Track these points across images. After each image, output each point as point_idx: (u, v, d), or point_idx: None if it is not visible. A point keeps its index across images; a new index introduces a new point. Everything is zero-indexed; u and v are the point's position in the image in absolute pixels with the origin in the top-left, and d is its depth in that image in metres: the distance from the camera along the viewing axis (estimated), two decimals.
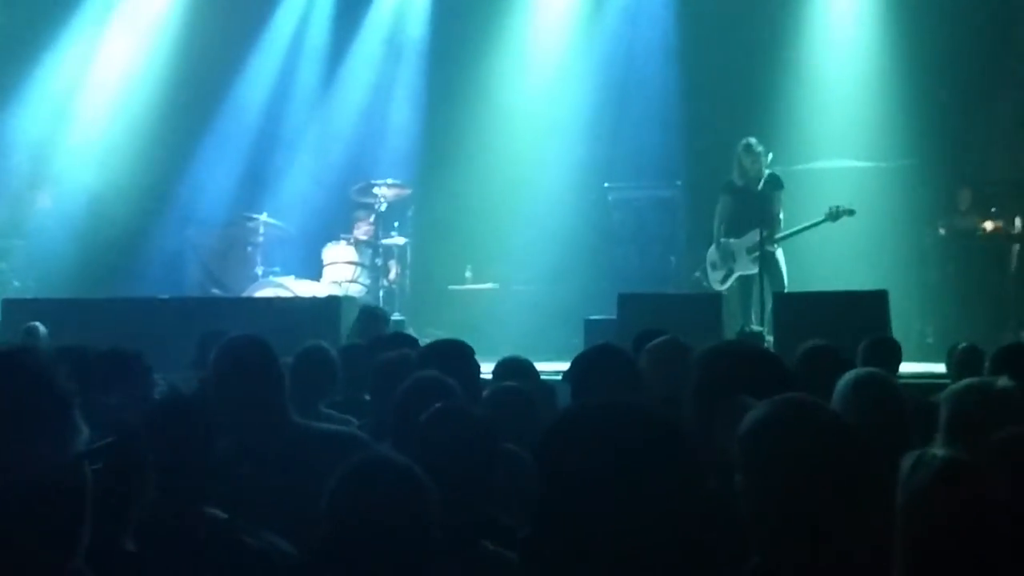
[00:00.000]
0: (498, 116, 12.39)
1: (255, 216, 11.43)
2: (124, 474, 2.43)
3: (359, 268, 11.13)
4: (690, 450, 1.87)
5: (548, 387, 4.85)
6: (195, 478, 2.91)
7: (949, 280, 11.16)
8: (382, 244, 11.22)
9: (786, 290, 9.53)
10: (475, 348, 4.59)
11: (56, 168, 12.13)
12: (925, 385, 6.34)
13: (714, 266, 10.19)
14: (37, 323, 7.56)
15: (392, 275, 11.37)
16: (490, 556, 2.75)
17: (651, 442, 1.83)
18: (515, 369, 4.89)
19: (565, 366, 4.26)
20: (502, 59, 12.57)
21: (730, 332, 8.71)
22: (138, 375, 4.52)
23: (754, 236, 9.58)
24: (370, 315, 7.74)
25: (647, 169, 11.86)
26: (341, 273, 11.06)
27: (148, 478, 2.60)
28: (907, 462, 2.57)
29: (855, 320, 7.31)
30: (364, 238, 11.28)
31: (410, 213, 11.93)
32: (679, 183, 11.66)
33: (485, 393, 4.21)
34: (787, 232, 9.84)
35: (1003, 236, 10.89)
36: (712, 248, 10.22)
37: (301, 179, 12.50)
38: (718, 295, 9.50)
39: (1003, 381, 3.45)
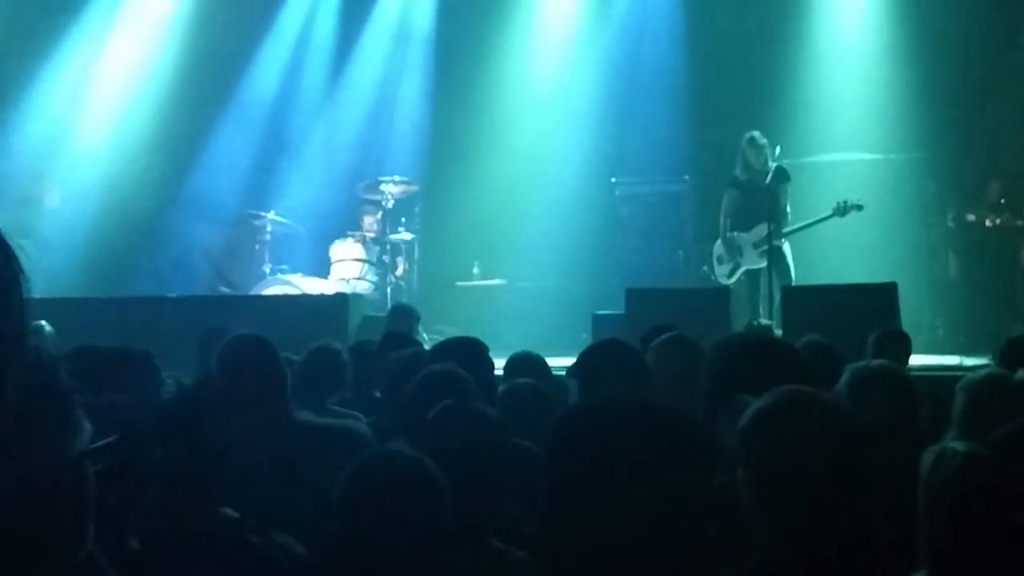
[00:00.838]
0: (505, 112, 12.38)
1: (263, 214, 11.44)
2: (127, 473, 2.42)
3: (367, 265, 11.13)
4: (700, 445, 1.86)
5: (560, 383, 4.83)
6: (205, 478, 2.91)
7: (959, 272, 11.13)
8: (390, 241, 11.22)
9: (794, 283, 9.51)
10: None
11: (64, 167, 12.14)
12: (935, 378, 6.32)
13: (720, 260, 10.17)
14: (43, 322, 7.55)
15: (400, 272, 11.37)
16: (499, 554, 2.74)
17: (660, 438, 1.82)
18: (527, 365, 4.89)
19: (573, 361, 4.23)
20: (509, 56, 12.56)
21: (738, 326, 8.69)
22: (146, 374, 4.51)
23: (761, 230, 9.58)
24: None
25: (655, 164, 11.85)
26: (349, 270, 11.07)
27: (152, 477, 2.59)
28: (928, 457, 2.55)
29: (864, 313, 7.30)
30: (371, 235, 11.28)
31: (417, 210, 11.93)
32: (687, 178, 11.65)
33: (501, 389, 4.20)
34: (794, 227, 9.82)
35: (1012, 228, 10.85)
36: (718, 242, 10.20)
37: (309, 177, 12.49)
38: (726, 289, 9.48)
39: (1022, 373, 3.44)
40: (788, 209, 9.83)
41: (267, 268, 11.26)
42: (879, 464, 2.31)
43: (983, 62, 11.46)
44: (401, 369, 4.25)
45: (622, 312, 8.46)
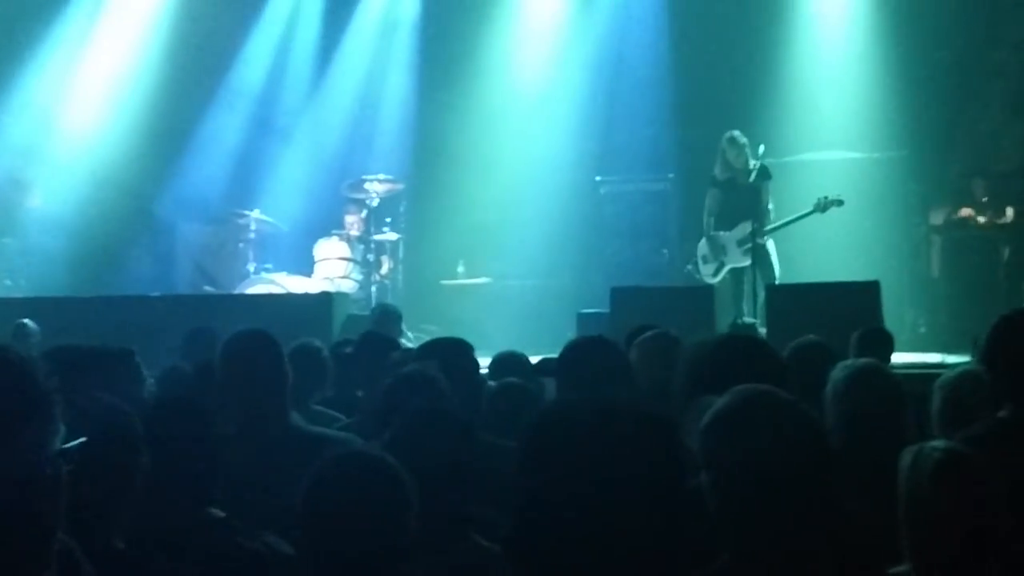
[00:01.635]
0: (490, 111, 12.37)
1: (246, 213, 11.41)
2: (103, 473, 2.41)
3: (351, 264, 11.12)
4: (676, 446, 1.85)
5: (542, 383, 4.83)
6: (192, 478, 2.90)
7: (942, 271, 11.17)
8: (374, 240, 11.21)
9: (778, 282, 9.54)
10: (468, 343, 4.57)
11: (46, 166, 12.08)
12: (917, 375, 6.34)
13: (705, 259, 10.19)
14: (28, 320, 7.53)
15: (384, 270, 11.35)
16: (482, 550, 2.74)
17: (635, 439, 1.81)
18: (512, 364, 4.89)
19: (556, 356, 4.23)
20: (494, 55, 12.56)
21: (723, 324, 8.72)
22: (128, 373, 4.49)
23: (744, 228, 9.63)
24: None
25: (639, 162, 11.87)
26: (333, 269, 11.05)
27: (133, 477, 2.58)
28: (906, 456, 2.57)
29: (847, 311, 7.31)
30: (356, 234, 11.26)
31: (402, 208, 11.91)
32: (671, 176, 11.67)
33: (491, 388, 4.19)
34: (776, 224, 9.84)
35: (995, 227, 10.91)
36: (703, 241, 10.22)
37: (292, 175, 12.46)
38: (711, 288, 9.51)
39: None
40: (771, 207, 9.86)
41: (251, 267, 11.23)
42: (854, 461, 2.31)
43: (966, 61, 11.50)
44: (381, 369, 4.24)
45: (607, 310, 8.47)
